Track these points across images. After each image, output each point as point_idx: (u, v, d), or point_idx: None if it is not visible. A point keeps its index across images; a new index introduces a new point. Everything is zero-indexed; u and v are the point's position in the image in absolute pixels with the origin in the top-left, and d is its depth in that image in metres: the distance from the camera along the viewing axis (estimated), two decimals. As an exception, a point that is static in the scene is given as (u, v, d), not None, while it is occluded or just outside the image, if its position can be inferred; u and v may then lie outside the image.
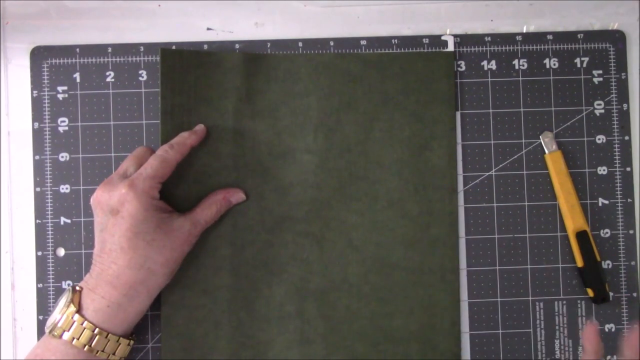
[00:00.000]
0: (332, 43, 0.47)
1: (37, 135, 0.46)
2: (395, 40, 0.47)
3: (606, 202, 0.46)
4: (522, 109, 0.47)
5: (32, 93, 0.46)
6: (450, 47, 0.47)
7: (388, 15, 0.48)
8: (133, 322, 0.41)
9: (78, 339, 0.38)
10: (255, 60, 0.46)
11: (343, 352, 0.45)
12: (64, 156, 0.46)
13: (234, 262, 0.45)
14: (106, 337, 0.39)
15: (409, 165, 0.46)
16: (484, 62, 0.47)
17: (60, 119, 0.46)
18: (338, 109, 0.46)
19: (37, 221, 0.46)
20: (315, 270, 0.45)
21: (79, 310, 0.39)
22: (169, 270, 0.41)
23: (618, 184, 0.46)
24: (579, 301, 0.46)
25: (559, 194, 0.46)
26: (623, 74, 0.47)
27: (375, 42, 0.47)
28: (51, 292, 0.45)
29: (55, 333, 0.39)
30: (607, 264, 0.46)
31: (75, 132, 0.46)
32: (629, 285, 0.46)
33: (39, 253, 0.46)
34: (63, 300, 0.40)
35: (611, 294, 0.46)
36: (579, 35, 0.47)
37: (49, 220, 0.46)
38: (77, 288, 0.40)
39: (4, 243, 0.46)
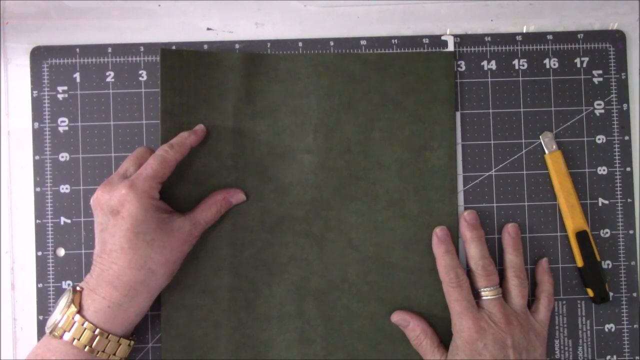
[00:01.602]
0: (332, 43, 0.47)
1: (37, 135, 0.46)
2: (395, 40, 0.47)
3: (606, 202, 0.46)
4: (522, 109, 0.47)
5: (32, 93, 0.46)
6: (450, 47, 0.47)
7: (388, 15, 0.48)
8: (134, 323, 0.41)
9: (79, 339, 0.38)
10: (255, 60, 0.46)
11: (343, 352, 0.45)
12: (64, 156, 0.46)
13: (234, 262, 0.45)
14: (107, 337, 0.39)
15: (408, 165, 0.46)
16: (484, 62, 0.47)
17: (60, 119, 0.46)
18: (338, 109, 0.46)
19: (37, 221, 0.46)
20: (315, 270, 0.45)
21: (79, 311, 0.39)
22: (169, 270, 0.41)
23: (618, 184, 0.46)
24: (578, 301, 0.46)
25: (558, 194, 0.46)
26: (623, 74, 0.47)
27: (375, 42, 0.47)
28: (51, 292, 0.45)
29: (56, 333, 0.39)
30: (607, 264, 0.46)
31: (75, 132, 0.46)
32: (629, 285, 0.46)
33: (39, 253, 0.46)
34: (63, 300, 0.40)
35: (611, 294, 0.46)
36: (579, 35, 0.47)
37: (49, 220, 0.46)
38: (78, 288, 0.40)
39: (4, 243, 0.46)
